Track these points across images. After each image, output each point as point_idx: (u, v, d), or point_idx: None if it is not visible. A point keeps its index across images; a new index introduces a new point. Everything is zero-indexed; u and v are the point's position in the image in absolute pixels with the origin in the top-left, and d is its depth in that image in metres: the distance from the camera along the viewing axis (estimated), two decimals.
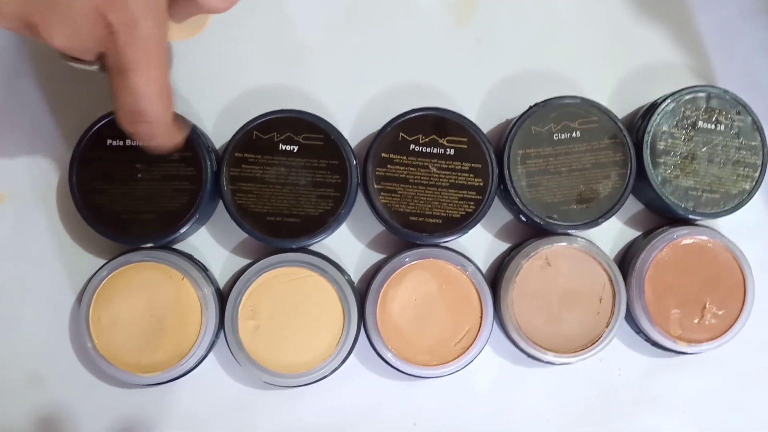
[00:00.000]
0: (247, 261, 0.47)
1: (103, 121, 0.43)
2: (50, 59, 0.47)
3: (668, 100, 0.45)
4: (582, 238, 0.46)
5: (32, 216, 0.46)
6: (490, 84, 0.48)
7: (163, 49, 0.34)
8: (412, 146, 0.44)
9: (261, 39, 0.47)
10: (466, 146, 0.44)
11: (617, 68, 0.49)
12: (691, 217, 0.46)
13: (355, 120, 0.48)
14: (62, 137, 0.46)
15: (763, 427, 0.49)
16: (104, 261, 0.45)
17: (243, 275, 0.44)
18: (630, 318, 0.47)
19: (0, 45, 0.46)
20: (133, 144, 0.43)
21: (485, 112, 0.48)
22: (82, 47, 0.33)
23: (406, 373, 0.45)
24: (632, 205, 0.49)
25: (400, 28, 0.48)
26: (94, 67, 0.35)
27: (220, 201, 0.44)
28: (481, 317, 0.45)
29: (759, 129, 0.46)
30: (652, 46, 0.49)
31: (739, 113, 0.46)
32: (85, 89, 0.46)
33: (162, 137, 0.36)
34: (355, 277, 0.48)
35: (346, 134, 0.45)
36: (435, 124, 0.44)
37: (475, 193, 0.44)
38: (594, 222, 0.45)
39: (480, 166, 0.44)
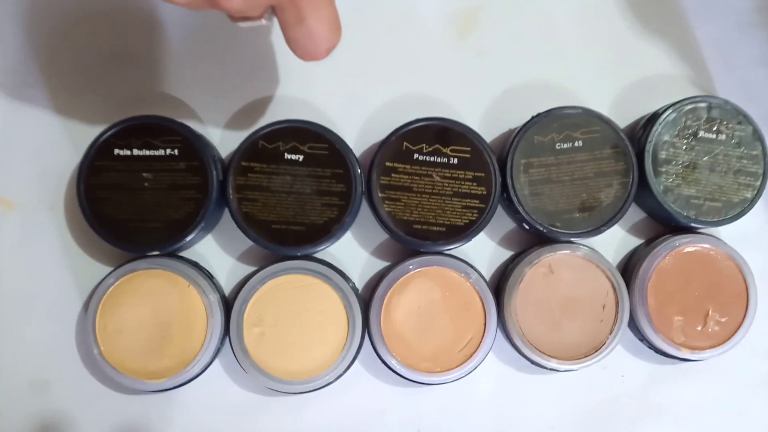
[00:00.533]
0: (252, 268, 0.47)
1: (111, 131, 0.43)
2: (59, 69, 0.47)
3: (669, 110, 0.46)
4: (585, 246, 0.47)
5: (40, 224, 0.47)
6: (492, 95, 0.49)
7: None
8: (416, 155, 0.45)
9: (268, 51, 0.48)
10: (469, 155, 0.45)
11: (617, 80, 0.49)
12: (693, 225, 0.46)
13: (359, 130, 0.48)
14: (71, 147, 0.47)
15: None
16: (111, 269, 0.45)
17: (248, 282, 0.45)
18: (633, 325, 0.47)
19: (9, 56, 0.47)
20: (140, 154, 0.43)
21: (487, 122, 0.49)
22: (257, 5, 0.34)
23: (410, 380, 0.45)
24: (634, 214, 0.49)
25: (404, 42, 0.49)
26: (262, 22, 0.36)
27: (226, 209, 0.45)
28: (485, 324, 0.45)
29: (760, 138, 0.46)
30: (652, 59, 0.50)
31: (740, 123, 0.46)
32: (93, 99, 0.47)
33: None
34: (360, 285, 0.48)
35: (351, 144, 0.45)
36: (438, 133, 0.45)
37: (478, 201, 0.45)
38: (596, 230, 0.45)
39: (483, 174, 0.45)
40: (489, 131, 0.48)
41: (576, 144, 0.45)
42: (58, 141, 0.47)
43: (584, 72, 0.49)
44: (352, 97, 0.48)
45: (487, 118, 0.49)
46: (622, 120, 0.49)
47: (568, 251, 0.46)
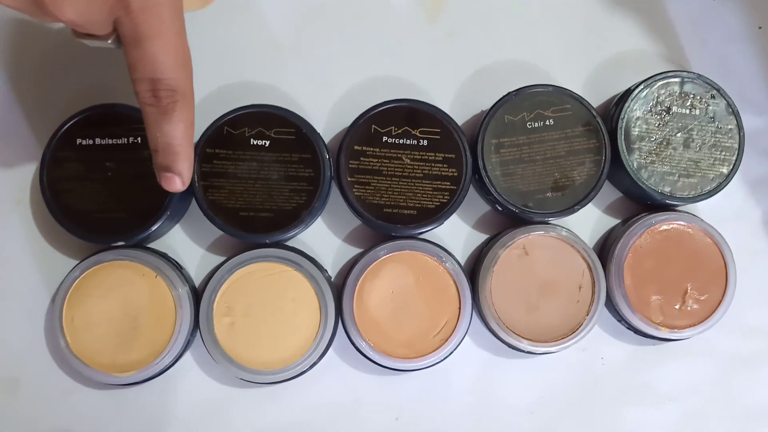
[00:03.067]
0: (222, 258, 0.47)
1: (73, 121, 0.43)
2: (19, 61, 0.47)
3: (642, 86, 0.45)
4: (559, 226, 0.46)
5: (7, 219, 0.46)
6: (463, 77, 0.48)
7: (180, 17, 0.33)
8: (384, 138, 0.44)
9: (232, 37, 0.47)
10: (439, 137, 0.44)
11: (591, 58, 0.49)
12: (668, 202, 0.45)
13: (328, 115, 0.47)
14: (34, 139, 0.46)
15: (749, 413, 0.48)
16: (78, 261, 0.45)
17: (217, 272, 0.44)
18: (611, 306, 0.46)
19: None
20: (103, 143, 0.43)
21: (459, 105, 0.48)
22: (95, 19, 0.32)
23: (386, 367, 0.45)
24: (610, 194, 0.49)
25: (372, 25, 0.48)
26: (109, 42, 0.34)
27: (193, 198, 0.44)
28: (460, 308, 0.44)
29: (734, 113, 0.46)
30: (626, 36, 0.49)
31: (713, 97, 0.46)
32: (55, 90, 0.46)
33: (185, 107, 0.34)
34: (333, 273, 0.47)
35: (319, 129, 0.44)
36: (407, 115, 0.44)
37: (449, 183, 0.44)
38: (570, 209, 0.44)
39: (454, 156, 0.44)
40: (461, 113, 0.48)
41: (547, 122, 0.45)
42: (21, 134, 0.46)
43: (558, 51, 0.49)
44: (321, 81, 0.47)
45: (459, 100, 0.48)
46: (598, 98, 0.48)
47: (542, 232, 0.45)
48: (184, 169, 0.35)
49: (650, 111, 0.45)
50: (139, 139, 0.43)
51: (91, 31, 0.33)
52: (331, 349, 0.46)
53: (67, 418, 0.45)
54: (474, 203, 0.48)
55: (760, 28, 0.50)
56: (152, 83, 0.33)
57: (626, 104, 0.45)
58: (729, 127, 0.45)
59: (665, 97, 0.45)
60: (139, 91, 0.33)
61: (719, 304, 0.46)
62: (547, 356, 0.47)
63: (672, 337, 0.46)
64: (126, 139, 0.43)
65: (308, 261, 0.45)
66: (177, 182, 0.35)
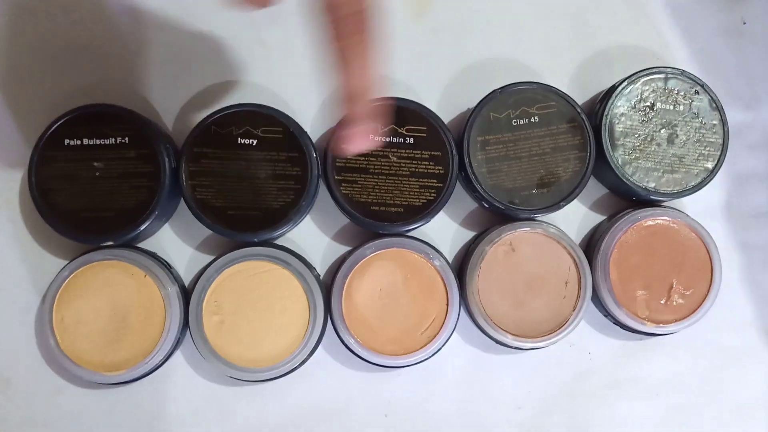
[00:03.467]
0: (211, 258, 0.47)
1: (61, 121, 0.43)
2: (7, 62, 0.47)
3: (625, 83, 0.46)
4: (545, 222, 0.46)
5: None
6: (450, 75, 0.49)
7: None
8: (371, 136, 0.44)
9: (218, 37, 0.48)
10: (425, 135, 0.44)
11: (576, 55, 0.49)
12: (653, 198, 0.46)
13: (315, 114, 0.48)
14: (22, 139, 0.46)
15: (735, 406, 0.48)
16: (67, 261, 0.45)
17: (206, 270, 0.44)
18: (597, 301, 0.47)
19: None
20: (91, 143, 0.43)
21: (445, 102, 0.48)
22: None
23: (374, 364, 0.45)
24: (596, 190, 0.49)
25: None
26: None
27: (181, 197, 0.44)
28: (447, 305, 0.45)
29: (718, 108, 0.46)
30: (610, 32, 0.50)
31: (697, 93, 0.46)
32: (43, 90, 0.46)
33: (369, 38, 0.30)
34: (322, 271, 0.47)
35: (307, 128, 0.45)
36: (394, 113, 0.44)
37: (435, 180, 0.44)
38: (555, 206, 0.45)
39: (440, 153, 0.44)
40: (448, 111, 0.48)
41: (532, 120, 0.45)
42: (9, 134, 0.46)
43: (543, 48, 0.49)
44: (307, 81, 0.48)
45: (446, 98, 0.48)
46: (583, 95, 0.49)
47: (528, 228, 0.45)
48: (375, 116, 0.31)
49: (634, 107, 0.46)
50: (126, 139, 0.43)
51: None
52: (320, 347, 0.46)
53: (57, 417, 0.46)
54: (461, 200, 0.48)
55: (744, 23, 0.51)
56: (336, 8, 0.29)
57: (610, 101, 0.45)
58: (713, 122, 0.46)
59: (649, 94, 0.46)
60: (327, 23, 0.29)
61: (705, 299, 0.46)
62: (534, 352, 0.47)
63: (658, 332, 0.46)
64: (114, 139, 0.43)
65: (297, 259, 0.45)
66: (368, 136, 0.31)
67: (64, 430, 0.46)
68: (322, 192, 0.45)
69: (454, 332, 0.45)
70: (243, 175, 0.43)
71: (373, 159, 0.44)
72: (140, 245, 0.46)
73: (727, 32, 0.50)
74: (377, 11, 0.30)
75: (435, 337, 0.45)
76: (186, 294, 0.46)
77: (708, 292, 0.46)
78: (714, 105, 0.46)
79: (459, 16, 0.49)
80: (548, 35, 0.49)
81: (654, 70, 0.46)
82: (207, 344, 0.44)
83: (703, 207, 0.48)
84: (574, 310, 0.45)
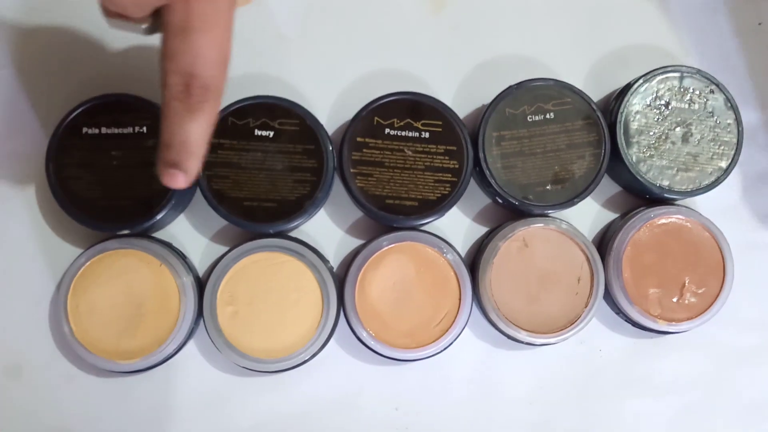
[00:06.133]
0: (226, 248, 0.47)
1: (79, 110, 0.43)
2: (28, 50, 0.47)
3: (641, 81, 0.46)
4: (559, 219, 0.47)
5: (12, 207, 0.46)
6: (466, 70, 0.49)
7: (232, 12, 0.31)
8: (387, 130, 0.44)
9: (238, 28, 0.48)
10: (440, 129, 0.45)
11: (592, 52, 0.49)
12: (667, 196, 0.46)
13: (332, 106, 0.48)
14: (41, 127, 0.46)
15: (746, 406, 0.48)
16: (83, 250, 0.45)
17: (221, 261, 0.45)
18: (609, 298, 0.47)
19: None
20: (109, 132, 0.43)
21: (461, 98, 0.48)
22: (142, 0, 0.29)
23: (386, 357, 0.45)
24: (610, 188, 0.49)
25: (376, 18, 0.49)
26: (142, 27, 0.32)
27: (197, 188, 0.44)
28: (460, 299, 0.45)
29: (733, 107, 0.46)
30: (626, 30, 0.50)
31: (712, 92, 0.46)
32: (63, 79, 0.47)
33: (213, 108, 0.32)
34: (335, 263, 0.48)
35: (323, 121, 0.45)
36: (410, 108, 0.45)
37: (450, 175, 0.44)
38: (570, 202, 0.45)
39: (455, 148, 0.44)
40: (463, 106, 0.48)
41: (548, 116, 0.45)
42: (28, 122, 0.46)
43: (559, 45, 0.49)
44: (325, 73, 0.48)
45: (461, 93, 0.48)
46: (598, 92, 0.49)
47: (541, 224, 0.46)
48: (193, 167, 0.33)
49: (649, 105, 0.46)
50: (144, 128, 0.43)
51: (129, 12, 0.30)
52: (332, 339, 0.46)
53: (70, 405, 0.46)
54: (474, 197, 0.48)
55: (759, 24, 0.51)
56: (187, 78, 0.30)
57: (625, 98, 0.45)
58: (728, 121, 0.46)
59: (664, 92, 0.46)
60: (169, 83, 0.31)
61: (717, 298, 0.46)
62: (545, 348, 0.47)
63: (670, 330, 0.46)
64: (132, 128, 0.43)
65: (311, 251, 0.45)
66: (181, 179, 0.33)
67: (76, 417, 0.46)
68: (336, 184, 0.46)
69: (466, 327, 0.46)
70: (259, 166, 0.43)
71: (388, 153, 0.44)
72: (156, 235, 0.47)
73: (742, 33, 0.50)
74: (219, 90, 0.32)
75: (447, 331, 0.45)
76: (200, 284, 0.46)
77: (720, 290, 0.46)
78: (729, 104, 0.46)
79: (475, 12, 0.49)
80: (564, 33, 0.50)
81: (670, 69, 0.46)
82: (221, 334, 0.44)
83: (716, 206, 0.48)
84: (586, 306, 0.45)
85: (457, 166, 0.44)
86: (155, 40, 0.47)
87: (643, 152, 0.45)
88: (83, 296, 0.44)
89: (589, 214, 0.49)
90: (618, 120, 0.45)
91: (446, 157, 0.44)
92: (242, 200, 0.43)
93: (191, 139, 0.32)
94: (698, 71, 0.46)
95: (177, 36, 0.30)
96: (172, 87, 0.31)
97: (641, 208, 0.47)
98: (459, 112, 0.45)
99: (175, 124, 0.32)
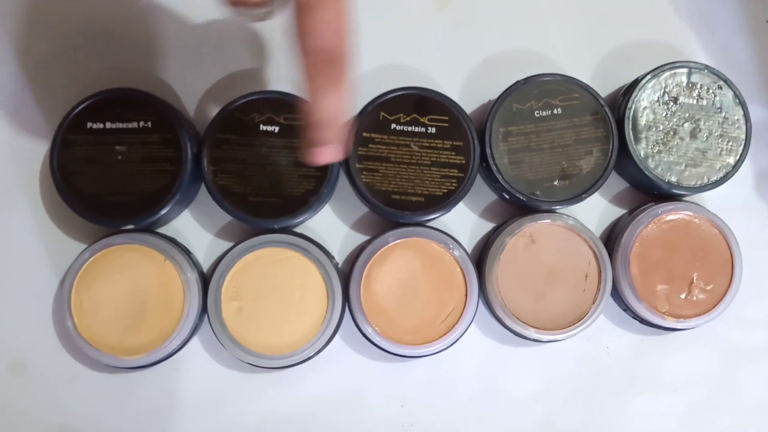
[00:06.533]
0: (230, 244, 0.47)
1: (84, 104, 0.43)
2: (32, 45, 0.47)
3: (649, 76, 0.45)
4: (566, 215, 0.46)
5: (16, 202, 0.46)
6: (472, 66, 0.49)
7: None
8: (393, 125, 0.44)
9: (242, 24, 0.48)
10: (447, 124, 0.44)
11: (599, 48, 0.49)
12: (675, 192, 0.46)
13: None
14: (45, 122, 0.46)
15: (754, 403, 0.48)
16: (87, 245, 0.45)
17: (226, 256, 0.44)
18: (617, 295, 0.46)
19: None
20: (113, 127, 0.43)
21: (467, 93, 0.48)
22: None
23: (392, 353, 0.45)
24: (617, 184, 0.49)
25: (382, 13, 0.48)
26: (262, 11, 0.32)
27: (202, 184, 0.44)
28: (466, 295, 0.45)
29: (741, 103, 0.46)
30: (634, 26, 0.49)
31: (720, 88, 0.46)
32: (68, 74, 0.47)
33: (349, 78, 0.32)
34: (341, 259, 0.47)
35: None
36: (416, 103, 0.44)
37: (457, 170, 0.44)
38: (577, 198, 0.44)
39: (461, 144, 0.44)
40: (470, 101, 0.48)
41: (555, 111, 0.45)
42: (32, 117, 0.46)
43: (566, 41, 0.49)
44: None
45: (468, 88, 0.48)
46: (606, 88, 0.49)
47: (549, 220, 0.45)
48: (342, 138, 0.33)
49: (657, 101, 0.45)
50: (149, 123, 0.43)
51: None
52: (337, 336, 0.46)
53: (74, 401, 0.46)
54: (481, 192, 0.48)
55: (767, 21, 0.50)
56: (327, 52, 0.31)
57: (634, 94, 0.45)
58: (736, 117, 0.46)
59: (673, 87, 0.45)
60: (310, 61, 0.31)
61: (725, 294, 0.46)
62: (552, 345, 0.47)
63: (678, 327, 0.46)
64: (136, 123, 0.43)
65: (316, 247, 0.45)
66: (339, 151, 0.33)
67: (79, 414, 0.46)
68: (342, 180, 0.45)
69: (472, 323, 0.45)
70: (264, 161, 0.43)
71: (394, 148, 0.44)
72: (160, 230, 0.46)
73: (750, 30, 0.50)
74: (353, 57, 0.32)
75: (453, 327, 0.44)
76: (205, 280, 0.46)
77: (728, 287, 0.46)
78: (737, 100, 0.46)
79: (482, 7, 0.49)
80: (571, 28, 0.49)
81: (678, 64, 0.45)
82: (225, 330, 0.44)
83: (724, 202, 0.48)
84: (594, 303, 0.45)
85: (463, 162, 0.44)
86: (160, 35, 0.47)
87: (651, 148, 0.45)
88: (87, 292, 0.43)
89: (596, 210, 0.49)
90: (626, 115, 0.45)
91: (453, 153, 0.44)
92: (247, 195, 0.43)
93: (336, 112, 0.32)
94: (706, 67, 0.46)
95: (308, 12, 0.31)
96: (314, 65, 0.31)
97: (649, 204, 0.47)
98: (465, 107, 0.45)
99: (325, 98, 0.32)
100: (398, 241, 0.45)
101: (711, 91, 0.46)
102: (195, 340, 0.46)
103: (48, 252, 0.46)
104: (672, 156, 0.45)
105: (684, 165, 0.45)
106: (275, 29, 0.48)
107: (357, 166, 0.44)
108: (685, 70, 0.46)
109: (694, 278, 0.46)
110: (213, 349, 0.46)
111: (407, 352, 0.44)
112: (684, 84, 0.46)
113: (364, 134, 0.44)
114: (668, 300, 0.45)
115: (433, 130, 0.44)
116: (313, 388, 0.46)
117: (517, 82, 0.45)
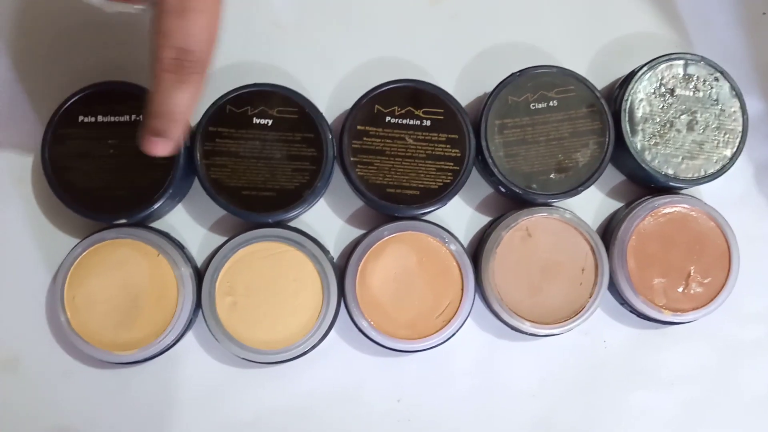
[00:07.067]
0: (224, 238, 0.46)
1: (75, 98, 0.42)
2: (24, 38, 0.46)
3: (645, 68, 0.45)
4: (562, 208, 0.46)
5: (8, 197, 0.46)
6: (467, 58, 0.48)
7: None
8: (388, 118, 0.44)
9: (234, 18, 0.47)
10: (442, 117, 0.44)
11: (595, 40, 0.49)
12: (672, 184, 0.45)
13: (331, 95, 0.47)
14: (36, 116, 0.46)
15: (751, 397, 0.48)
16: (79, 240, 0.44)
17: (220, 251, 0.44)
18: (614, 288, 0.46)
19: None
20: (105, 120, 0.42)
21: (463, 86, 0.48)
22: None
23: (388, 348, 0.44)
24: (614, 177, 0.48)
25: (376, 5, 0.48)
26: (138, 8, 0.33)
27: (196, 178, 0.44)
28: (462, 289, 0.44)
29: (738, 95, 0.45)
30: (630, 18, 0.49)
31: (717, 79, 0.45)
32: (57, 67, 0.46)
33: (200, 83, 0.34)
34: (336, 254, 0.47)
35: (322, 109, 0.44)
36: (411, 95, 0.44)
37: (452, 163, 0.44)
38: (573, 191, 0.44)
39: (457, 136, 0.44)
40: (465, 94, 0.47)
41: (551, 104, 0.44)
42: (23, 111, 0.46)
43: (562, 33, 0.49)
44: (324, 61, 0.47)
45: (463, 81, 0.48)
46: (602, 80, 0.48)
47: (545, 214, 0.45)
48: (178, 135, 0.35)
49: (654, 93, 0.45)
50: (141, 116, 0.42)
51: None
52: (333, 330, 0.46)
53: (68, 397, 0.45)
54: (477, 185, 0.47)
55: (764, 13, 0.50)
56: (180, 52, 0.32)
57: (630, 86, 0.45)
58: (732, 109, 0.45)
59: (669, 79, 0.45)
60: (162, 57, 0.32)
61: (722, 288, 0.45)
62: (549, 339, 0.47)
63: (675, 320, 0.45)
64: (128, 117, 0.42)
65: (311, 241, 0.44)
66: (165, 146, 0.35)
67: (73, 409, 0.45)
68: (336, 174, 0.45)
69: (469, 318, 0.45)
70: (258, 155, 0.43)
71: (389, 141, 0.44)
72: (154, 225, 0.46)
73: (747, 22, 0.50)
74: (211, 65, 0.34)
75: (449, 322, 0.44)
76: (199, 274, 0.45)
77: (726, 280, 0.45)
78: (734, 92, 0.45)
79: (476, 0, 0.49)
80: (567, 21, 0.49)
81: (674, 56, 0.45)
82: (219, 325, 0.43)
83: (721, 195, 0.48)
84: (590, 296, 0.45)
85: (459, 155, 0.44)
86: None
87: (648, 140, 0.45)
88: (80, 287, 0.43)
89: (593, 204, 0.48)
90: (622, 108, 0.45)
91: (448, 146, 0.44)
92: (241, 189, 0.43)
93: (179, 109, 0.34)
94: (702, 58, 0.45)
95: (173, 15, 0.32)
96: (164, 60, 0.33)
97: (646, 198, 0.46)
98: (461, 100, 0.45)
99: (165, 94, 0.34)
100: (393, 235, 0.44)
101: (707, 83, 0.45)
102: (189, 336, 0.46)
103: (40, 247, 0.46)
104: (669, 148, 0.45)
105: (681, 157, 0.45)
106: (268, 22, 0.47)
107: (352, 159, 0.43)
108: (681, 62, 0.45)
109: (692, 272, 0.45)
110: (207, 344, 0.46)
111: (403, 346, 0.44)
112: (680, 76, 0.45)
113: (359, 127, 0.44)
114: (665, 293, 0.45)
115: (428, 123, 0.44)
116: (308, 383, 0.46)
117: (513, 74, 0.44)
